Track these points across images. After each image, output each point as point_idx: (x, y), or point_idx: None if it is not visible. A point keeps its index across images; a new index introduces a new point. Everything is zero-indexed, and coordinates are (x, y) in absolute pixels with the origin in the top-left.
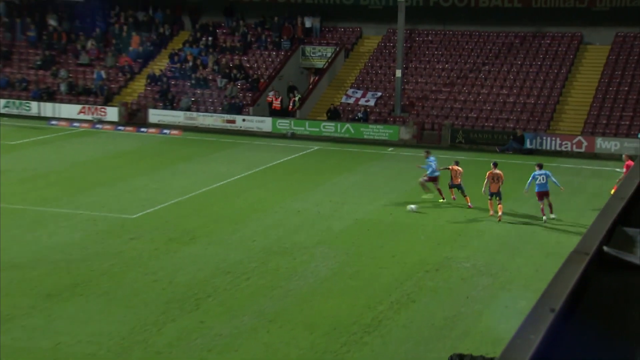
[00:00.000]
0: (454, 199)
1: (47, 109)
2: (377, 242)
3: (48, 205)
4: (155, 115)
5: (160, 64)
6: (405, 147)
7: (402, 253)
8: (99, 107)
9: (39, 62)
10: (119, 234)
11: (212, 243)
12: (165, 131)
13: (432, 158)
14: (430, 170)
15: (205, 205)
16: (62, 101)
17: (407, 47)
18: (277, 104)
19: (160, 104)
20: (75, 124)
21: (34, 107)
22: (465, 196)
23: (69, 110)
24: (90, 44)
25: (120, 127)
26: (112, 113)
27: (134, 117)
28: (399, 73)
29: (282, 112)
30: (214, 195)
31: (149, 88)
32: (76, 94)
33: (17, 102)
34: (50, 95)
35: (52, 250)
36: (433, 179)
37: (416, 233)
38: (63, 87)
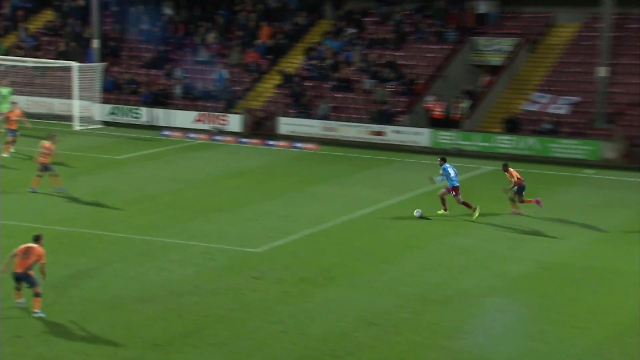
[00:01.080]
0: None
1: (159, 116)
2: (570, 293)
3: (157, 234)
4: (286, 124)
5: (293, 61)
6: (610, 168)
7: (604, 309)
8: (219, 114)
9: (150, 60)
10: (240, 271)
11: (353, 286)
12: (297, 145)
13: (447, 165)
14: (447, 179)
15: (345, 238)
16: (176, 107)
17: (614, 37)
18: (438, 111)
19: (293, 111)
20: (191, 135)
21: (144, 113)
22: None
23: (184, 118)
24: (211, 37)
25: (243, 140)
26: (234, 122)
27: (260, 127)
28: (603, 72)
29: (445, 122)
30: (357, 226)
31: (279, 91)
32: (193, 98)
33: (125, 107)
34: (162, 100)
35: (161, 289)
36: (454, 190)
37: (625, 281)
38: (178, 90)
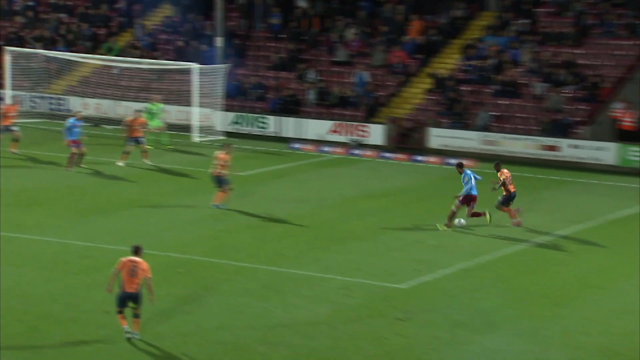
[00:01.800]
0: None
1: (289, 125)
2: None
3: (285, 264)
4: (438, 137)
5: (447, 62)
6: None
7: None
8: (359, 124)
9: (280, 60)
10: (382, 311)
11: (519, 334)
12: (451, 161)
13: (468, 172)
14: (466, 187)
15: (508, 274)
16: (308, 115)
17: None
18: (628, 121)
19: (446, 121)
20: (325, 149)
21: (272, 122)
22: None
23: (318, 128)
24: (351, 33)
25: (386, 154)
26: (376, 133)
27: (407, 140)
28: None
29: (636, 135)
30: (522, 261)
31: (430, 97)
32: (328, 105)
33: (250, 116)
34: (293, 107)
35: (289, 329)
36: (470, 200)
37: None
38: (311, 96)
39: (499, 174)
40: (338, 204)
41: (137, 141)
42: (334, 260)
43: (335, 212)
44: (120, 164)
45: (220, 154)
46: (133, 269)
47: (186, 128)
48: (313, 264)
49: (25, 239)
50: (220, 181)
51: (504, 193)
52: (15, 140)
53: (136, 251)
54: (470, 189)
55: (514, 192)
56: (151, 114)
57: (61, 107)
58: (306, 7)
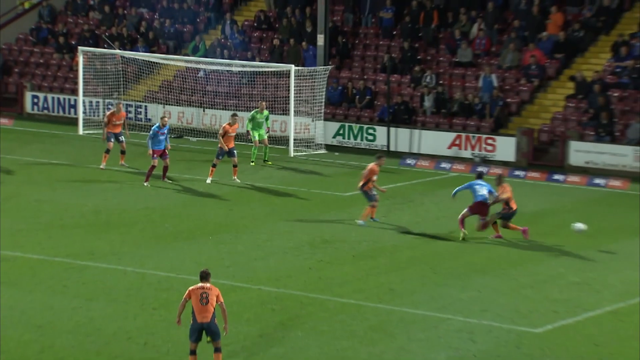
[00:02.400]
0: None
1: (401, 138)
2: None
3: (395, 302)
4: (581, 152)
5: (595, 62)
6: None
7: None
8: (485, 136)
9: (390, 62)
10: (512, 359)
11: None
12: (597, 181)
13: (480, 182)
14: (477, 195)
15: None
16: (424, 126)
17: None
18: None
19: (591, 133)
20: (444, 165)
21: (381, 134)
22: None
23: (435, 140)
24: (476, 29)
25: (518, 172)
26: (505, 147)
27: (544, 155)
28: None
29: None
30: None
31: (571, 104)
32: (448, 114)
33: (356, 127)
34: (406, 116)
35: None
36: (481, 209)
37: None
38: (427, 103)
39: (499, 188)
40: (459, 231)
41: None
42: (453, 298)
43: (452, 242)
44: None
45: (374, 166)
46: (203, 295)
47: (281, 140)
48: (429, 302)
49: (99, 268)
50: (369, 196)
51: (504, 208)
52: (123, 152)
53: (204, 276)
54: (481, 196)
55: (516, 209)
56: (257, 124)
57: (139, 116)
58: None
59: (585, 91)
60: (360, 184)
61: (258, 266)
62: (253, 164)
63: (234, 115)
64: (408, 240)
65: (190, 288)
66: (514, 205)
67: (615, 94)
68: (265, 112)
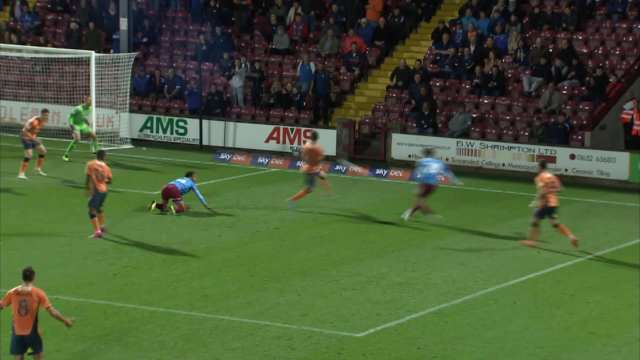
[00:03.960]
0: None
1: (214, 132)
2: None
3: (209, 308)
4: (403, 145)
5: (415, 50)
6: None
7: None
8: (304, 128)
9: (203, 47)
10: None
11: None
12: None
13: (429, 160)
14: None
15: (495, 319)
16: (238, 117)
17: None
18: None
19: (414, 125)
20: (261, 160)
21: (193, 128)
22: None
23: (251, 134)
24: (292, 13)
25: (340, 167)
26: (326, 140)
27: (365, 149)
28: None
29: None
30: (510, 303)
31: (393, 95)
32: (265, 105)
33: (166, 119)
34: (220, 107)
35: None
36: (428, 191)
37: None
38: (239, 93)
39: (537, 179)
40: (276, 231)
41: (34, 145)
42: (271, 303)
43: (271, 242)
44: (22, 176)
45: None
46: (22, 305)
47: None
48: (245, 308)
49: None
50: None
51: (539, 205)
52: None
53: (27, 276)
54: (429, 177)
55: (554, 206)
56: (81, 119)
57: None
58: None
59: (407, 81)
60: (305, 167)
61: (55, 273)
62: (67, 159)
63: (45, 111)
64: (223, 242)
65: (11, 291)
66: (552, 201)
67: (437, 84)
68: (91, 107)
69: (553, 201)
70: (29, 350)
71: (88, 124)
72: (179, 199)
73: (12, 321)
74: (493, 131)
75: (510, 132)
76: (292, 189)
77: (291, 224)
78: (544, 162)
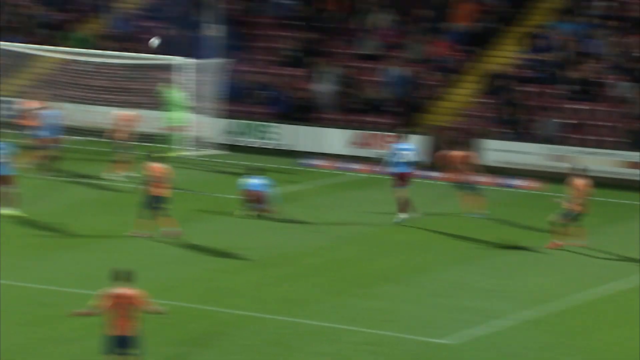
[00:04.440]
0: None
1: (300, 136)
2: None
3: (295, 313)
4: (494, 151)
5: (504, 55)
6: None
7: None
8: (390, 134)
9: (289, 53)
10: None
11: None
12: (509, 182)
13: (403, 145)
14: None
15: (588, 326)
16: (323, 123)
17: None
18: None
19: (502, 131)
20: (347, 165)
21: (280, 132)
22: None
23: (336, 139)
24: (382, 19)
25: (428, 172)
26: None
27: None
28: None
29: None
30: (603, 310)
31: (484, 100)
32: (350, 110)
33: (254, 124)
34: (307, 112)
35: None
36: (402, 180)
37: None
38: (327, 98)
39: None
40: (363, 237)
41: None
42: (357, 309)
43: (359, 247)
44: (114, 175)
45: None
46: (124, 305)
47: (169, 139)
48: (332, 313)
49: None
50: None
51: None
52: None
53: (124, 278)
54: (399, 164)
55: (578, 211)
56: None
57: (10, 114)
58: None
59: (497, 87)
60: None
61: (142, 276)
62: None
63: (133, 115)
64: (308, 247)
65: (108, 292)
66: (576, 206)
67: (527, 89)
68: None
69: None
70: (124, 350)
71: (178, 123)
72: (262, 204)
73: (108, 321)
74: (585, 137)
75: (602, 138)
76: (381, 196)
77: (376, 229)
78: (586, 168)
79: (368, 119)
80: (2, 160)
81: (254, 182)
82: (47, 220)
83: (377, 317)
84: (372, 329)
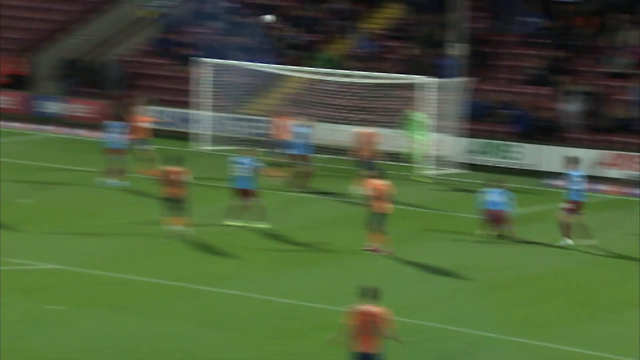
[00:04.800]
0: None
1: (543, 155)
2: None
3: (538, 336)
4: None
5: None
6: None
7: None
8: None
9: (534, 72)
10: None
11: None
12: None
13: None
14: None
15: None
16: (568, 142)
17: None
18: None
19: None
20: (593, 187)
21: (523, 152)
22: None
23: (585, 160)
24: (631, 36)
25: None
26: None
27: None
28: None
29: None
30: None
31: None
32: (597, 129)
33: (496, 143)
34: (551, 132)
35: None
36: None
37: None
38: (573, 117)
39: None
40: (609, 260)
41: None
42: (601, 334)
43: (604, 270)
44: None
45: None
46: (369, 322)
47: (411, 158)
48: (576, 337)
49: (223, 294)
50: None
51: None
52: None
53: (372, 295)
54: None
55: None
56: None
57: (260, 132)
58: (580, 0)
59: None
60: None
61: (389, 293)
62: (417, 177)
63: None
64: (552, 269)
65: (356, 309)
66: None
67: None
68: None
69: None
70: None
71: (420, 143)
72: (503, 223)
73: (353, 337)
74: None
75: None
76: (627, 217)
77: (623, 252)
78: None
79: (616, 138)
80: (246, 174)
81: (495, 200)
82: (292, 234)
83: (621, 343)
84: (617, 355)
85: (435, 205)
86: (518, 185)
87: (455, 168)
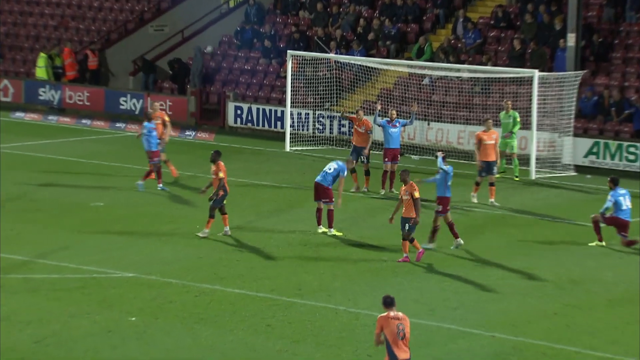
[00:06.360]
0: None
1: None
2: None
3: None
4: None
5: None
6: None
7: None
8: None
9: None
10: None
11: None
12: None
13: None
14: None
15: None
16: None
17: None
18: None
19: None
20: None
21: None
22: None
23: None
24: None
25: None
26: None
27: None
28: None
29: None
30: None
31: None
32: None
33: (614, 144)
34: None
35: None
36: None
37: None
38: None
39: None
40: None
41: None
42: None
43: None
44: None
45: None
46: (400, 328)
47: (521, 159)
48: None
49: (307, 306)
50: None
51: None
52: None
53: (391, 302)
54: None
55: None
56: (503, 126)
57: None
58: None
59: None
60: None
61: (491, 309)
62: (517, 178)
63: (488, 120)
64: None
65: (381, 317)
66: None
67: None
68: (513, 112)
69: None
70: None
71: (508, 135)
72: (626, 232)
73: (387, 346)
74: None
75: None
76: None
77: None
78: None
79: None
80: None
81: (619, 205)
82: (382, 243)
83: None
84: None
85: (548, 211)
86: (635, 190)
87: (565, 170)
